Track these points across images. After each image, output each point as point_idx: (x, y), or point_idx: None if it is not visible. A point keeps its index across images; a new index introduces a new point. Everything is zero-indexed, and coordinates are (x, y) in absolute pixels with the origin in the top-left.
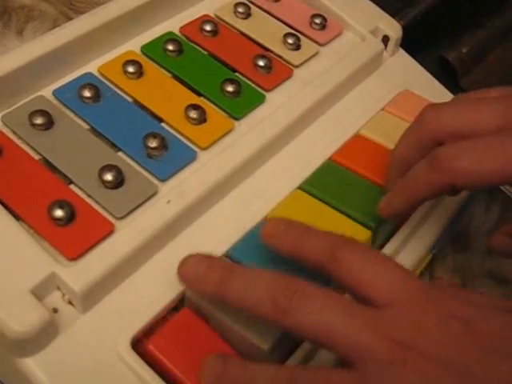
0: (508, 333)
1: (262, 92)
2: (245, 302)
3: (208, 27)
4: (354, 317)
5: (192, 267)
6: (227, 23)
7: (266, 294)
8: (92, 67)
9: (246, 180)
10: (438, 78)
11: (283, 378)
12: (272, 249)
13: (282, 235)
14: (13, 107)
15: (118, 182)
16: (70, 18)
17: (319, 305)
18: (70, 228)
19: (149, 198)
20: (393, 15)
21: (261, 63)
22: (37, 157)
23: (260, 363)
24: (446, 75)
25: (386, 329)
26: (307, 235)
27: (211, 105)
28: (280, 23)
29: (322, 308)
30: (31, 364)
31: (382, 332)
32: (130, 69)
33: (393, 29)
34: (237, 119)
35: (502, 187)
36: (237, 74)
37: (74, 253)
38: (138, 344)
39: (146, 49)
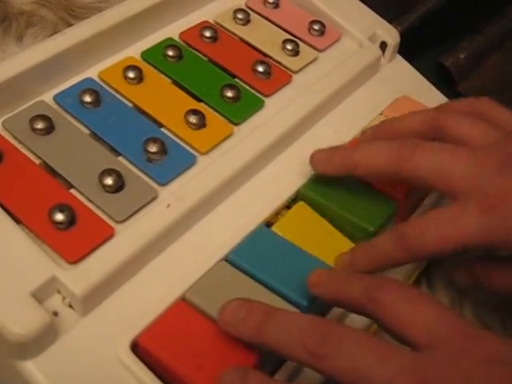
0: None
1: (261, 97)
2: (280, 347)
3: (208, 33)
4: (389, 360)
5: (231, 313)
6: (227, 29)
7: (299, 339)
8: (92, 72)
9: (244, 184)
10: (435, 84)
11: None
12: (318, 296)
13: (325, 285)
14: (14, 112)
15: (118, 187)
16: (69, 24)
17: (354, 349)
18: (71, 232)
19: (149, 203)
20: (390, 21)
21: (260, 69)
22: (37, 161)
23: (280, 381)
24: (443, 81)
25: (421, 373)
26: (347, 280)
27: (211, 110)
28: (279, 29)
29: (358, 352)
30: (31, 367)
31: (417, 376)
32: (131, 74)
33: (390, 35)
34: (236, 124)
35: None
36: (236, 79)
37: (75, 256)
38: (137, 347)
39: (146, 54)
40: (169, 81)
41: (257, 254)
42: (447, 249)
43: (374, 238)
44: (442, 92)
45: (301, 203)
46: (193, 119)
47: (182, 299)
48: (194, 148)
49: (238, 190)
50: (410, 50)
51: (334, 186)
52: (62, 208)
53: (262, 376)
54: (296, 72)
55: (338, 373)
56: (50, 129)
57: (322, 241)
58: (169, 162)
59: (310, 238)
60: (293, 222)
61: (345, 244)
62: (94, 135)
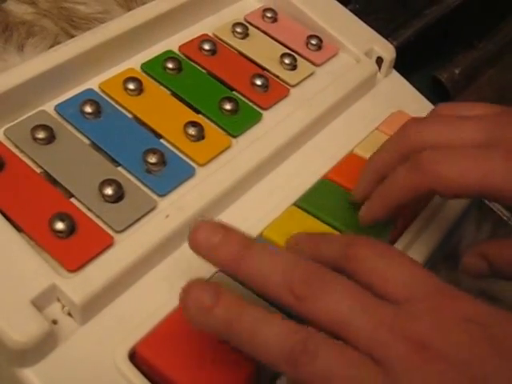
0: None
1: (259, 110)
2: (259, 281)
3: (207, 46)
4: (373, 311)
5: (205, 235)
6: (225, 43)
7: (282, 277)
8: (93, 83)
9: (242, 196)
10: (430, 98)
11: (298, 339)
12: None
13: (302, 244)
14: (16, 121)
15: (118, 197)
16: (70, 34)
17: (337, 293)
18: (71, 240)
19: (148, 213)
20: (386, 36)
21: (258, 82)
22: (38, 170)
23: (263, 309)
24: (438, 95)
25: (404, 326)
26: (323, 239)
27: (209, 122)
28: (277, 43)
29: (340, 297)
30: (30, 374)
31: (399, 329)
32: (131, 86)
33: (387, 51)
34: (234, 137)
35: (492, 206)
36: (234, 92)
37: (74, 265)
38: (135, 355)
39: (146, 66)
40: (168, 93)
41: None
42: (466, 185)
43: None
44: None
45: (292, 207)
46: (192, 131)
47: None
48: (192, 159)
49: (235, 201)
50: (405, 64)
51: (331, 199)
52: (62, 217)
53: (237, 297)
54: (293, 86)
55: (319, 316)
56: (51, 138)
57: None
58: (168, 173)
59: None
60: (285, 226)
61: None
62: (95, 145)
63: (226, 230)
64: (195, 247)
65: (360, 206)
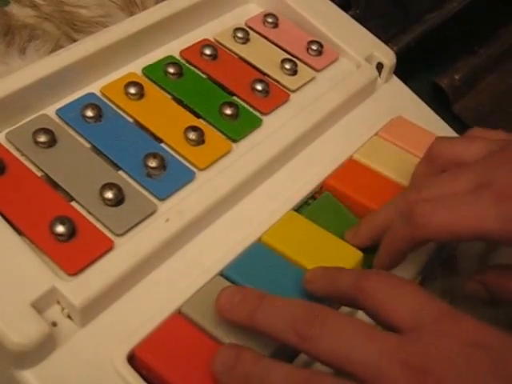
0: None
1: (260, 115)
2: (272, 330)
3: (208, 51)
4: (373, 341)
5: (227, 298)
6: (226, 48)
7: (288, 323)
8: (95, 88)
9: (242, 201)
10: (430, 103)
11: (299, 380)
12: (312, 292)
13: (319, 281)
14: (17, 125)
15: (118, 200)
16: (72, 38)
17: (338, 330)
18: (71, 244)
19: (148, 216)
20: (387, 41)
21: (258, 87)
22: (39, 173)
23: (275, 360)
24: (438, 100)
25: (405, 354)
26: (338, 274)
27: (210, 127)
28: (278, 49)
29: (341, 333)
30: (29, 376)
31: (400, 357)
32: (132, 90)
33: (387, 56)
34: (234, 141)
35: None
36: (235, 97)
37: (75, 268)
38: (133, 358)
39: (148, 71)
40: (169, 97)
41: (252, 269)
42: (459, 232)
43: (380, 209)
44: (436, 112)
45: (291, 212)
46: (192, 135)
47: (179, 312)
48: (192, 164)
49: (235, 206)
50: (405, 70)
51: (327, 208)
52: (62, 220)
53: (257, 354)
54: (294, 91)
55: (323, 354)
56: (52, 142)
57: (318, 247)
58: (168, 177)
59: (303, 245)
60: (283, 231)
61: (341, 247)
62: (95, 149)
63: (244, 290)
64: (219, 311)
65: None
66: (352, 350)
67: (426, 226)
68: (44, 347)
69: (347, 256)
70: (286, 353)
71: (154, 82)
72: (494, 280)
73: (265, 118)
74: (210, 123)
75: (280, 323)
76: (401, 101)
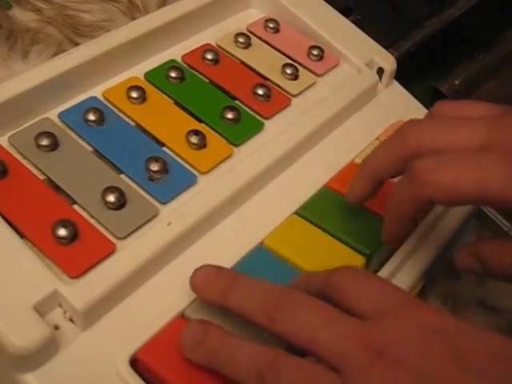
0: (483, 350)
1: (261, 120)
2: (242, 310)
3: (209, 56)
4: (338, 325)
5: (202, 276)
6: (228, 52)
7: (259, 304)
8: (97, 91)
9: (243, 204)
10: (430, 108)
11: (264, 361)
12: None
13: (299, 283)
14: (19, 128)
15: (120, 204)
16: (74, 42)
17: (305, 313)
18: (73, 247)
19: (149, 220)
20: (387, 47)
21: (260, 92)
22: (42, 177)
23: (242, 338)
24: None
25: (367, 337)
26: (313, 274)
27: (211, 131)
28: (279, 54)
29: (307, 316)
30: (31, 379)
31: (363, 340)
32: (134, 94)
33: (387, 61)
34: (236, 145)
35: (492, 217)
36: (237, 101)
37: (77, 271)
38: (136, 362)
39: (150, 75)
40: (171, 101)
41: (254, 272)
42: (463, 191)
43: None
44: None
45: (293, 216)
46: (194, 139)
47: (182, 316)
48: (194, 168)
49: (236, 209)
50: (406, 75)
51: (331, 208)
52: (65, 223)
53: (225, 332)
54: (295, 96)
55: (289, 334)
56: (54, 145)
57: (320, 250)
58: (170, 180)
59: (305, 249)
60: (285, 235)
61: (344, 251)
62: (98, 153)
63: (219, 269)
64: (193, 288)
65: (358, 212)
66: (316, 332)
67: (428, 184)
68: (46, 350)
69: (349, 260)
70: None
71: (156, 87)
72: (487, 252)
73: (266, 123)
74: (211, 127)
75: (251, 303)
76: (401, 105)
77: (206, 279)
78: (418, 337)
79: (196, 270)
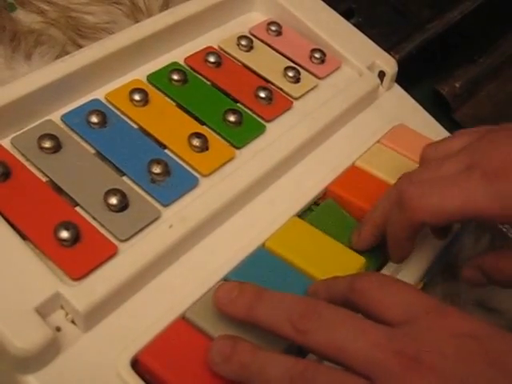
0: None
1: (263, 122)
2: (269, 324)
3: (212, 58)
4: (367, 333)
5: (225, 293)
6: (230, 55)
7: (285, 317)
8: (100, 94)
9: (245, 207)
10: (431, 111)
11: (296, 371)
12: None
13: (318, 289)
14: (22, 130)
15: (123, 206)
16: (77, 44)
17: (333, 323)
18: (75, 249)
19: (151, 222)
20: (389, 50)
21: (262, 94)
22: (44, 179)
23: (271, 351)
24: (439, 108)
25: (399, 345)
26: (334, 280)
27: (213, 133)
28: (281, 56)
29: (336, 326)
30: (33, 381)
31: (393, 348)
32: (136, 97)
33: (389, 65)
34: (238, 148)
35: None
36: (239, 104)
37: (79, 273)
38: (137, 363)
39: (152, 78)
40: (173, 104)
41: (255, 275)
42: (450, 211)
43: (376, 204)
44: (437, 119)
45: (294, 218)
46: (196, 142)
47: (182, 318)
48: (196, 170)
49: (238, 212)
50: (407, 78)
51: (330, 214)
52: (67, 225)
53: (254, 345)
54: (297, 98)
55: (319, 347)
56: (57, 148)
57: (321, 252)
58: (172, 183)
59: (307, 251)
60: (287, 237)
61: (344, 253)
62: (100, 155)
63: (242, 285)
64: (217, 305)
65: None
66: (346, 342)
67: (417, 209)
68: (48, 352)
69: (350, 261)
70: (294, 353)
71: (159, 89)
72: (490, 263)
73: (268, 125)
74: (213, 130)
75: (277, 317)
76: (402, 108)
77: (229, 295)
78: (450, 343)
79: (219, 287)
